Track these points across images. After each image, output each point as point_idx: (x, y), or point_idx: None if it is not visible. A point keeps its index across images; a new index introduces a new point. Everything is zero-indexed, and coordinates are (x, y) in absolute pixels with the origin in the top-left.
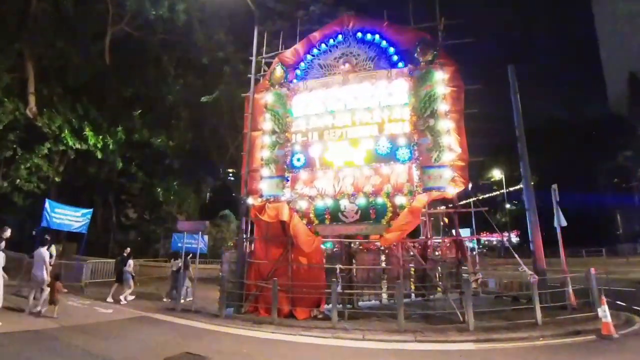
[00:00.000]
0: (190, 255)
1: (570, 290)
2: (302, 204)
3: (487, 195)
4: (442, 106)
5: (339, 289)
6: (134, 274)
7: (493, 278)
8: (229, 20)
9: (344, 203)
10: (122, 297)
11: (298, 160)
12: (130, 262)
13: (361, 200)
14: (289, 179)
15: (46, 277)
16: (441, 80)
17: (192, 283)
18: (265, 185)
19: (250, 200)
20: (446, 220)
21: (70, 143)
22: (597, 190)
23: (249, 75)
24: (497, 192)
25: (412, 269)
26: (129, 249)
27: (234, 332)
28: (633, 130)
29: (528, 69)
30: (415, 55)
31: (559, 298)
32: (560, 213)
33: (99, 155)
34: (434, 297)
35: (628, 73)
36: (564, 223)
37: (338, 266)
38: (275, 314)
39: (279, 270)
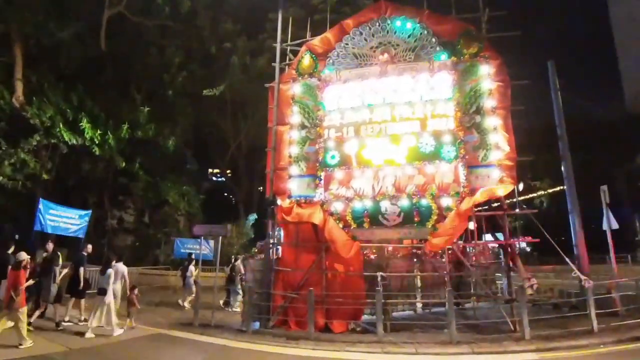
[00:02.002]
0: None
1: (617, 297)
2: (338, 206)
3: (526, 197)
4: (489, 102)
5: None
6: (196, 280)
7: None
8: (237, 8)
9: (385, 205)
10: (181, 302)
11: (332, 157)
12: (192, 268)
13: (404, 202)
14: (322, 178)
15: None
16: (486, 75)
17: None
18: (295, 185)
19: (278, 201)
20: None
21: (65, 137)
22: (614, 193)
23: (273, 64)
24: (541, 193)
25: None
26: (192, 256)
27: (269, 350)
28: None
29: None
30: (459, 47)
31: (604, 305)
32: (611, 215)
33: (97, 152)
34: (471, 305)
35: None
36: (615, 225)
37: (379, 274)
38: (312, 328)
39: (311, 279)
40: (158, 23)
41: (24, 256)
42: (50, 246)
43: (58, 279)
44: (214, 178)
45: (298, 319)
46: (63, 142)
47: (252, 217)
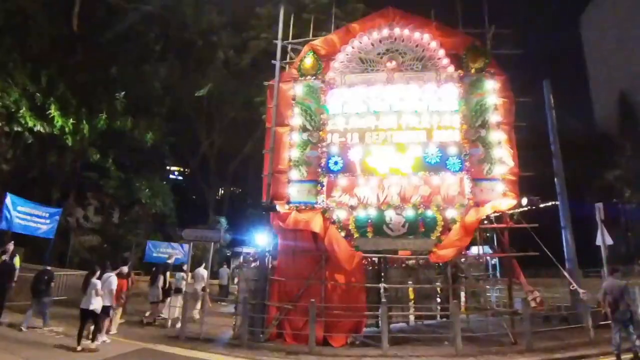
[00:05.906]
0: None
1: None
2: (340, 214)
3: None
4: (494, 117)
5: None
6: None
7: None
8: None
9: (390, 214)
10: None
11: (335, 163)
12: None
13: (409, 212)
14: (324, 184)
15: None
16: (492, 90)
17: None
18: (294, 190)
19: (278, 207)
20: None
21: (30, 123)
22: (584, 209)
23: (273, 62)
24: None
25: (439, 288)
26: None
27: None
28: (622, 150)
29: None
30: (465, 60)
31: (594, 317)
32: (605, 231)
33: (70, 141)
34: (463, 317)
35: (618, 92)
36: (610, 241)
37: (382, 285)
38: (314, 342)
39: (309, 290)
40: (136, 6)
41: (126, 269)
42: (10, 247)
43: (160, 283)
44: (170, 176)
45: (295, 332)
46: (28, 131)
47: (222, 222)
